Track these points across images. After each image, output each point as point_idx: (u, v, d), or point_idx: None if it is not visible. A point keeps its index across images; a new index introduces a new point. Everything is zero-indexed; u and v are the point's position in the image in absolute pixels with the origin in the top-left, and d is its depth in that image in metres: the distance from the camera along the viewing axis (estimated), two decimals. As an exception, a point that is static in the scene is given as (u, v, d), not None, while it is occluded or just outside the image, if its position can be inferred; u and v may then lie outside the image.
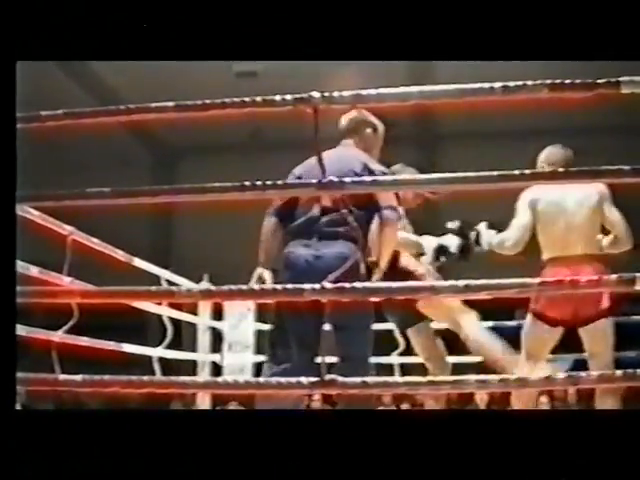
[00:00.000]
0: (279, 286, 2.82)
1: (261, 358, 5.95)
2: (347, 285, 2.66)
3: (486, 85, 2.68)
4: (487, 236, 5.21)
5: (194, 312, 7.71)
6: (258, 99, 2.84)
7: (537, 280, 2.57)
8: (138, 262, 6.48)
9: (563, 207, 4.92)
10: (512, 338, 9.02)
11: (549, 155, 5.08)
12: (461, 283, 2.59)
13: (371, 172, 4.14)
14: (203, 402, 7.15)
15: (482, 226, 5.29)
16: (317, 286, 2.74)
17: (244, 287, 2.85)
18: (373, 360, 7.86)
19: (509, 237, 5.00)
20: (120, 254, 6.08)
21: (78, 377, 2.94)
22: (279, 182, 2.80)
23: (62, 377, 3.06)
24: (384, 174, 4.22)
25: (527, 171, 2.65)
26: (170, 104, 2.93)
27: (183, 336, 8.39)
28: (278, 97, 2.82)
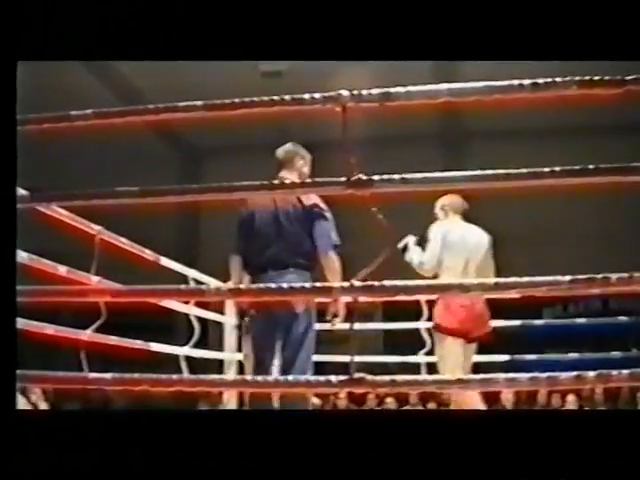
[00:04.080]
0: (307, 285, 2.82)
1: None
2: (376, 283, 2.66)
3: (515, 82, 2.67)
4: (412, 252, 5.62)
5: (221, 311, 7.71)
6: (287, 98, 2.83)
7: (567, 278, 2.55)
8: (165, 261, 6.49)
9: (466, 243, 5.57)
10: (539, 337, 9.00)
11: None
12: (491, 281, 2.59)
13: (305, 206, 4.69)
14: (230, 401, 7.15)
15: (411, 240, 5.68)
16: (346, 284, 2.74)
17: (273, 285, 2.86)
18: (399, 359, 7.94)
19: (427, 262, 5.51)
20: (148, 253, 6.09)
21: (108, 375, 2.95)
22: (307, 180, 2.79)
23: (92, 375, 3.07)
24: (317, 207, 4.70)
25: (557, 168, 2.63)
26: (199, 103, 2.94)
27: (210, 335, 8.40)
28: (307, 95, 2.82)
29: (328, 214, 4.66)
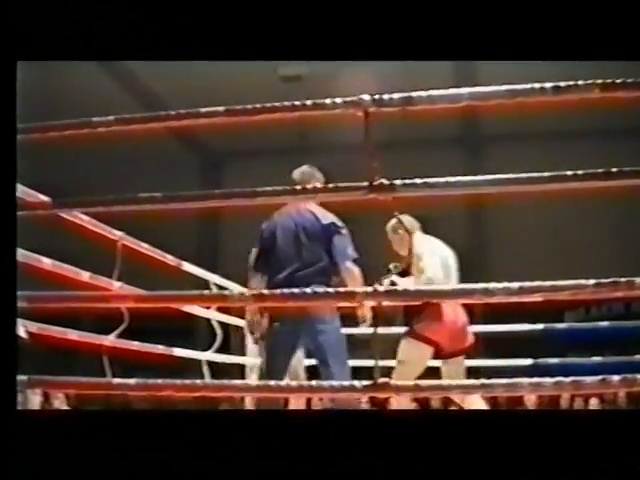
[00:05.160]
0: (331, 290, 2.82)
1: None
2: (399, 288, 2.66)
3: (537, 85, 2.65)
4: (406, 282, 5.17)
5: (242, 316, 7.71)
6: (308, 102, 2.83)
7: (591, 282, 2.53)
8: (187, 266, 6.49)
9: (450, 262, 5.39)
10: (562, 341, 8.93)
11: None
12: (515, 285, 2.57)
13: (322, 225, 4.81)
14: (252, 406, 7.14)
15: (394, 277, 5.26)
16: (369, 289, 2.74)
17: (296, 290, 2.86)
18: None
19: (435, 278, 5.13)
20: (169, 259, 6.09)
21: (132, 381, 2.96)
22: (330, 185, 2.79)
23: (116, 381, 3.08)
24: (334, 224, 4.81)
25: (580, 172, 2.62)
26: (221, 109, 2.94)
27: (231, 340, 8.40)
28: (328, 100, 2.81)
29: (345, 230, 4.75)
